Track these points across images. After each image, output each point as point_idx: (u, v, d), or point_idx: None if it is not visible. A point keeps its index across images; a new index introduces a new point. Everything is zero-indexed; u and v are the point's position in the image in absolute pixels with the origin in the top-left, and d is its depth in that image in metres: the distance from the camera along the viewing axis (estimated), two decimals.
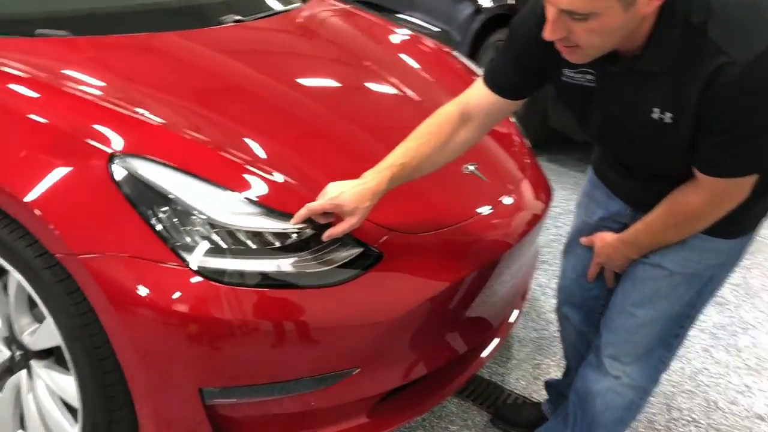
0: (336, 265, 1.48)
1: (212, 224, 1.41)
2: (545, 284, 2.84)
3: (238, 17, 2.22)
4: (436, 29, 4.76)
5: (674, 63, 1.21)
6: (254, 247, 1.43)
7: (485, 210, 1.81)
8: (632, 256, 1.52)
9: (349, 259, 1.50)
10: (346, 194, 1.43)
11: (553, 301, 2.69)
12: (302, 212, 1.44)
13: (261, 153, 1.61)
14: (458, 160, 1.91)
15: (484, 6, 4.31)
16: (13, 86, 1.56)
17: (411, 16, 5.05)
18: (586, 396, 1.64)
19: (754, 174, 1.28)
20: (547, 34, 1.21)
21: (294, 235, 1.47)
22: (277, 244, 1.45)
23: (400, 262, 1.56)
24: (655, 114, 1.26)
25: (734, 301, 2.86)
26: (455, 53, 2.64)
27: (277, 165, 1.58)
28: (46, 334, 1.49)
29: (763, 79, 1.15)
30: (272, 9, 2.45)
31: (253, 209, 1.45)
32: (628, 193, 1.56)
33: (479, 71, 2.55)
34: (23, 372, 1.64)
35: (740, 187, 1.30)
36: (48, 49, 1.77)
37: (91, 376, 1.43)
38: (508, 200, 1.90)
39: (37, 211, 1.37)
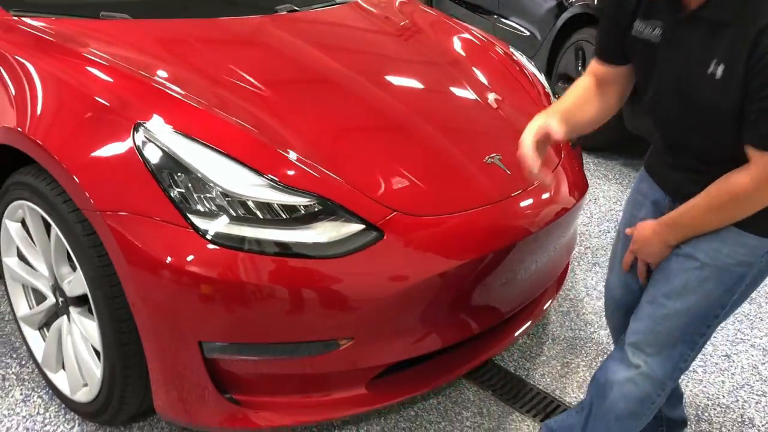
0: (339, 238, 1.57)
1: (225, 194, 1.53)
2: (592, 286, 2.79)
3: (293, 7, 2.35)
4: (525, 32, 4.74)
5: (737, 15, 1.24)
6: (263, 217, 1.54)
7: (500, 199, 1.84)
8: (669, 242, 1.49)
9: (352, 233, 1.58)
10: (537, 120, 1.47)
11: (597, 303, 2.66)
12: (527, 156, 1.43)
13: (288, 136, 1.73)
14: (482, 150, 1.96)
15: (567, 3, 4.24)
16: (70, 62, 1.76)
17: (502, 17, 5.05)
18: (604, 385, 1.64)
19: None
20: None
21: (302, 209, 1.57)
22: (285, 216, 1.55)
23: (403, 241, 1.63)
24: (711, 68, 1.28)
25: None
26: (523, 60, 2.64)
27: (298, 145, 1.69)
28: (78, 282, 1.67)
29: None
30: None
31: (263, 182, 1.56)
32: (673, 185, 1.55)
33: (540, 75, 2.55)
34: (64, 317, 1.83)
35: None
36: (108, 30, 1.97)
37: (110, 323, 1.59)
38: (526, 191, 1.91)
39: (70, 172, 1.54)
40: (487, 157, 1.92)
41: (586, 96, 1.59)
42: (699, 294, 1.48)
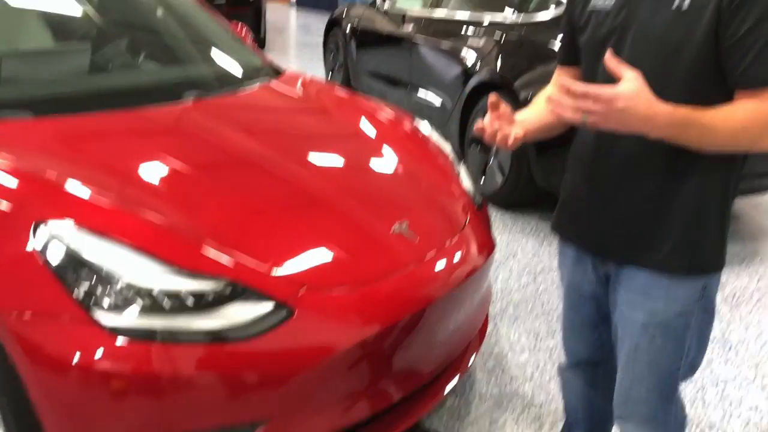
0: (250, 320, 1.59)
1: (131, 287, 1.53)
2: (515, 340, 2.86)
3: (200, 93, 2.41)
4: (436, 103, 4.94)
5: None
6: (172, 306, 1.55)
7: (411, 264, 1.90)
8: (657, 126, 1.28)
9: (261, 314, 1.60)
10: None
11: (520, 358, 2.72)
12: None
13: (197, 220, 1.76)
14: (391, 218, 2.03)
15: (472, 71, 4.46)
16: None
17: (415, 90, 5.27)
18: None
19: None
20: None
21: (211, 294, 1.58)
22: (194, 303, 1.57)
23: (315, 316, 1.66)
24: (676, 2, 1.33)
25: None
26: (428, 131, 2.75)
27: (207, 229, 1.72)
28: None
29: None
30: (237, 84, 2.65)
31: (170, 271, 1.58)
32: (598, 236, 1.55)
33: (446, 146, 2.67)
34: None
35: None
36: (7, 131, 1.98)
37: (17, 429, 1.54)
38: (434, 255, 1.98)
39: None
40: (395, 225, 1.99)
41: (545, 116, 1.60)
42: (653, 353, 1.51)
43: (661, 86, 1.28)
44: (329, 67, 6.97)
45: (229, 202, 1.92)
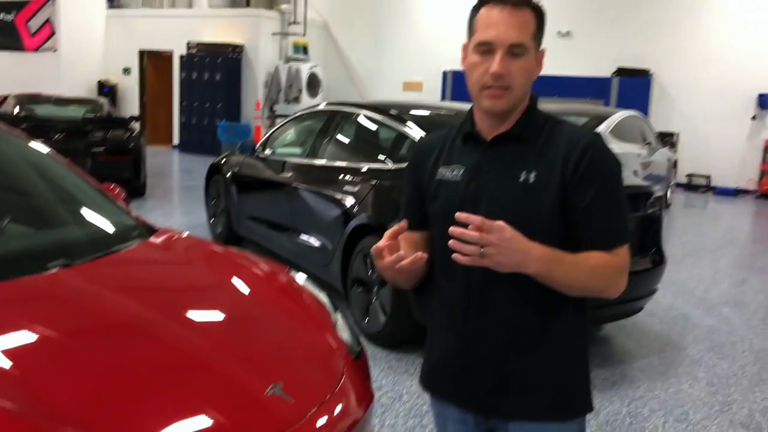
0: None
1: None
2: None
3: (66, 262, 2.36)
4: (317, 244, 5.05)
5: (537, 136, 1.56)
6: None
7: (287, 427, 1.88)
8: (532, 261, 1.42)
9: None
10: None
11: None
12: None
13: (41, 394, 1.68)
14: (263, 379, 2.02)
15: (352, 214, 4.64)
16: None
17: (296, 233, 5.37)
18: None
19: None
20: (497, 66, 1.49)
21: None
22: None
23: None
24: (523, 176, 1.52)
25: None
26: (302, 281, 2.80)
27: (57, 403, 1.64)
28: None
29: (602, 146, 1.56)
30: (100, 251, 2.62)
31: None
32: (473, 392, 1.61)
33: (322, 297, 2.72)
34: None
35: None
36: None
37: None
38: (313, 413, 1.97)
39: None
40: (269, 388, 1.97)
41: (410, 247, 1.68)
42: None
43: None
44: (211, 213, 7.00)
45: (97, 373, 1.85)
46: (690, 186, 13.18)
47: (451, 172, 1.64)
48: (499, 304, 1.57)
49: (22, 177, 3.09)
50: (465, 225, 1.40)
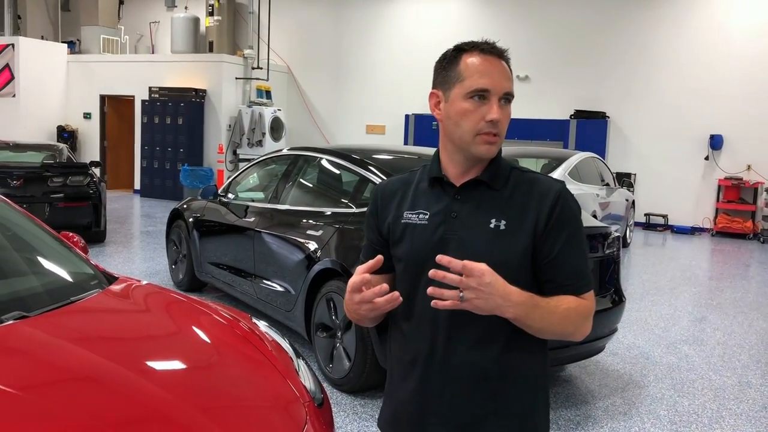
0: None
1: None
2: None
3: (21, 313, 2.31)
4: (281, 289, 5.02)
5: (505, 184, 1.61)
6: None
7: None
8: (512, 306, 1.45)
9: None
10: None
11: None
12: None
13: None
14: (222, 430, 1.99)
15: (315, 258, 4.63)
16: None
17: (260, 279, 5.33)
18: None
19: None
20: (496, 113, 1.55)
21: None
22: None
23: None
24: (493, 223, 1.57)
25: None
26: (264, 328, 2.78)
27: None
28: None
29: (569, 195, 1.63)
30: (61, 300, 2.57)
31: None
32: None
33: (284, 344, 2.70)
34: None
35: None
36: None
37: None
38: None
39: None
40: None
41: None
42: None
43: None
44: (172, 259, 6.92)
45: (52, 428, 1.80)
46: (648, 225, 13.48)
47: (417, 216, 1.66)
48: (464, 349, 1.58)
49: None
50: (442, 267, 1.42)
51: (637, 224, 12.79)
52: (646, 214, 13.51)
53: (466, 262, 1.41)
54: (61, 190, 8.59)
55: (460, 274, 1.42)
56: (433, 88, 1.66)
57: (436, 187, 1.67)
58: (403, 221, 1.68)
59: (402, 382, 1.69)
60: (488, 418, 1.59)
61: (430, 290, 1.44)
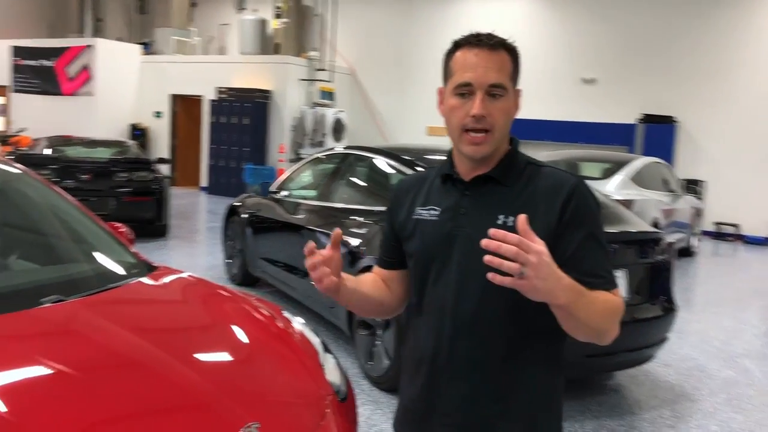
0: None
1: None
2: None
3: (59, 297, 2.41)
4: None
5: (517, 180, 1.56)
6: None
7: None
8: (563, 290, 1.34)
9: None
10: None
11: None
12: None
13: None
14: (239, 419, 2.02)
15: (360, 254, 4.65)
16: None
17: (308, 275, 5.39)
18: None
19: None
20: (477, 108, 1.50)
21: None
22: None
23: None
24: (501, 220, 1.50)
25: None
26: (294, 321, 2.81)
27: None
28: None
29: (586, 190, 1.57)
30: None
31: None
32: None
33: (314, 340, 2.72)
34: None
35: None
36: None
37: None
38: None
39: None
40: (243, 428, 1.97)
41: (374, 280, 1.76)
42: None
43: (496, 288, 1.34)
44: (228, 254, 7.07)
45: (91, 415, 1.86)
46: (719, 234, 12.95)
47: (428, 212, 1.65)
48: (467, 350, 1.56)
49: (35, 216, 3.18)
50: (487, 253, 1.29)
51: (706, 233, 12.30)
52: (716, 223, 12.97)
53: (522, 237, 1.27)
54: (126, 185, 8.91)
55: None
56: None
57: (447, 184, 1.66)
58: (414, 217, 1.68)
59: (411, 380, 1.68)
60: (496, 421, 1.55)
61: (486, 258, 1.27)
